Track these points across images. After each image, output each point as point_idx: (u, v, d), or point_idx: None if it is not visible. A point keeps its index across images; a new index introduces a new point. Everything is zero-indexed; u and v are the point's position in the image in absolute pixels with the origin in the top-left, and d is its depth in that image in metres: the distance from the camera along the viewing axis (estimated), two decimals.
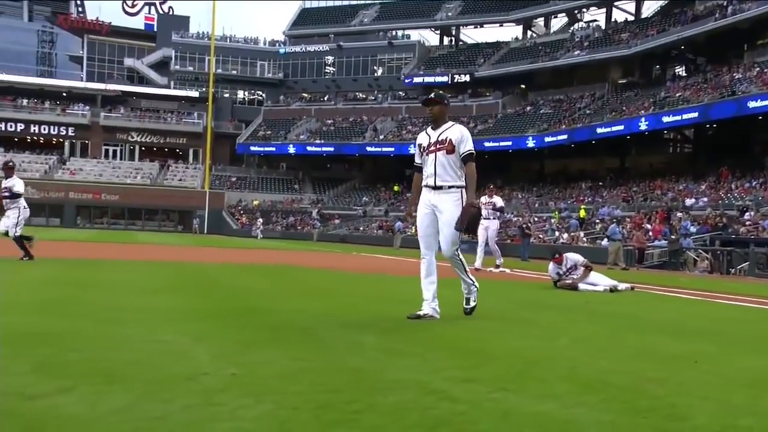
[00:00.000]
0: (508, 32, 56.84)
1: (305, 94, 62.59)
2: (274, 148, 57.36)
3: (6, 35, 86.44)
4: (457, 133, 4.80)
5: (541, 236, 31.36)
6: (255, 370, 2.82)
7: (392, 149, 52.15)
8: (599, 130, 38.47)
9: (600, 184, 40.34)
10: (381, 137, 53.82)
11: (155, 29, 70.19)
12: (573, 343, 4.12)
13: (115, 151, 60.32)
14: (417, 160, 4.95)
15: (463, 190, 4.80)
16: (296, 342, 3.59)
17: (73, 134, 58.90)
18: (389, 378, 2.80)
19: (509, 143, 44.84)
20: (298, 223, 50.16)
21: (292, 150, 56.74)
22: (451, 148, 4.75)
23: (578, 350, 3.82)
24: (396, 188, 53.19)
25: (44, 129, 58.14)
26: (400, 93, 58.23)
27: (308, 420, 2.13)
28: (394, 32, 60.33)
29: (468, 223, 4.76)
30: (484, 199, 13.25)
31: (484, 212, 12.94)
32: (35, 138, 58.48)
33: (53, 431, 1.89)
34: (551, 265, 8.83)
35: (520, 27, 55.35)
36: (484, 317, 5.17)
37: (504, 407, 2.39)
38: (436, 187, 4.78)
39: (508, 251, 28.76)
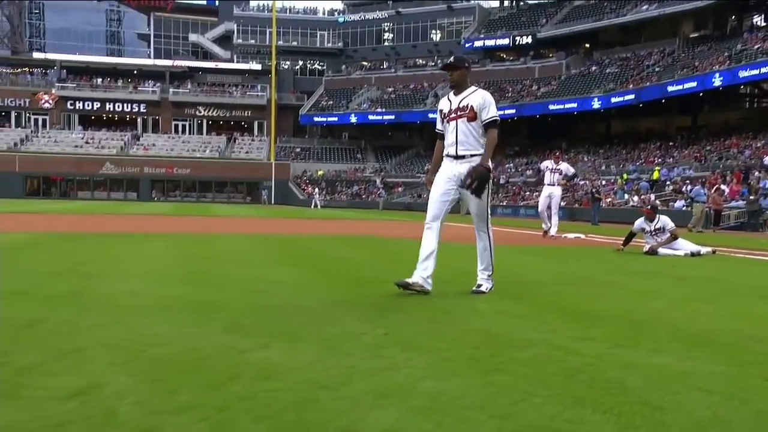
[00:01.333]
0: None
1: (365, 63, 62.79)
2: (336, 118, 58.07)
3: (78, 16, 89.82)
4: (479, 98, 4.56)
5: (609, 200, 30.98)
6: (401, 330, 3.33)
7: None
8: (670, 89, 37.28)
9: (671, 144, 39.24)
10: None
11: (217, 4, 71.57)
12: (669, 305, 4.47)
13: (184, 126, 62.40)
14: (438, 126, 4.77)
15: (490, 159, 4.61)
16: (422, 308, 4.09)
17: (144, 111, 61.17)
18: (517, 337, 3.27)
19: (574, 105, 44.00)
20: (362, 191, 50.93)
21: (353, 119, 57.30)
22: (472, 115, 4.53)
23: (676, 312, 4.18)
24: None
25: (118, 106, 60.64)
26: None
27: (468, 369, 2.61)
28: None
29: (475, 183, 4.48)
30: (549, 164, 12.96)
31: (548, 178, 12.81)
32: (110, 115, 61.08)
33: (282, 373, 2.44)
34: (639, 219, 9.00)
35: None
36: (577, 282, 5.55)
37: (624, 360, 2.81)
38: (457, 157, 4.59)
39: (576, 215, 28.69)
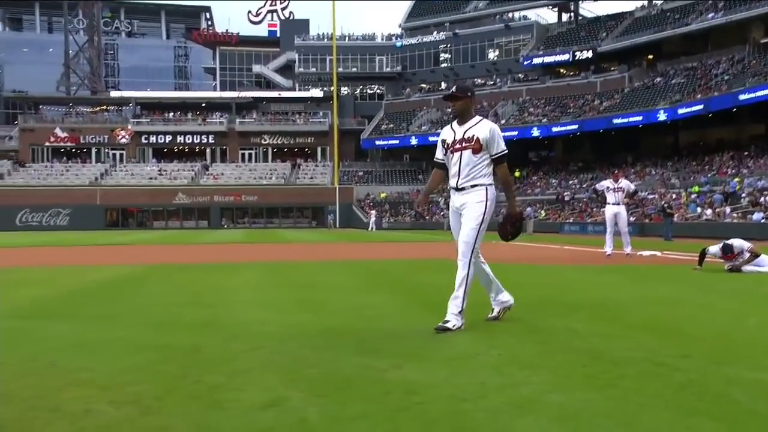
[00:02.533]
0: (631, 2, 54.39)
1: (424, 85, 63.55)
2: (397, 141, 58.87)
3: (149, 53, 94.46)
4: (485, 130, 4.42)
5: (681, 213, 30.26)
6: (511, 351, 3.71)
7: (515, 133, 51.70)
8: (742, 97, 36.22)
9: (745, 153, 38.01)
10: (502, 122, 53.63)
11: (278, 35, 74.13)
12: (763, 323, 4.66)
13: (250, 155, 64.50)
14: (438, 155, 4.66)
15: (489, 187, 4.46)
16: (522, 329, 4.44)
17: (213, 141, 63.63)
18: (620, 355, 3.58)
19: (639, 118, 43.21)
20: (425, 213, 51.29)
21: (414, 141, 57.92)
22: (478, 147, 4.40)
23: None
24: (517, 173, 52.85)
25: (188, 138, 63.32)
26: (520, 75, 57.62)
27: (584, 384, 2.95)
28: (510, 14, 59.68)
29: (512, 233, 4.66)
30: (609, 183, 12.73)
31: (611, 198, 12.54)
32: (181, 147, 63.82)
33: (424, 389, 2.86)
34: (718, 252, 8.90)
35: None
36: (664, 303, 5.77)
37: (727, 375, 3.10)
38: (458, 189, 4.51)
39: (647, 231, 28.18)
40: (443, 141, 4.61)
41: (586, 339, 4.11)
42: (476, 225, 4.46)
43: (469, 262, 4.48)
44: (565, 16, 58.74)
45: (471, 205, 4.45)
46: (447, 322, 4.34)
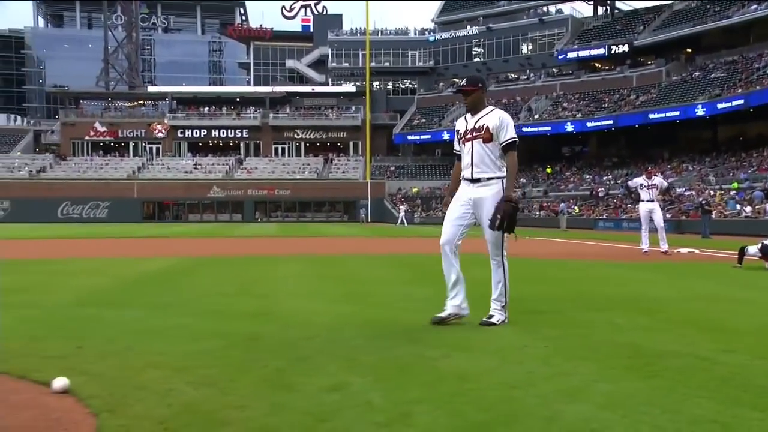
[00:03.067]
0: None
1: (456, 80, 63.34)
2: (429, 136, 58.86)
3: (184, 49, 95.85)
4: (495, 119, 4.39)
5: (719, 210, 29.76)
6: (556, 344, 3.85)
7: (548, 128, 51.40)
8: None
9: None
10: (536, 116, 53.26)
11: (311, 30, 74.62)
12: None
13: (283, 149, 65.17)
14: (456, 147, 4.64)
15: (503, 180, 4.42)
16: (566, 323, 4.59)
17: (246, 136, 64.44)
18: (662, 348, 3.70)
19: (676, 113, 42.47)
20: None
21: (446, 136, 57.68)
22: (488, 136, 4.37)
23: None
24: (549, 170, 52.47)
25: (222, 133, 64.26)
26: (554, 70, 57.08)
27: (629, 375, 3.10)
28: (544, 8, 59.10)
29: (505, 221, 4.35)
30: (642, 180, 12.69)
31: (645, 195, 12.53)
32: (216, 141, 64.80)
33: (475, 377, 3.04)
34: (757, 252, 8.91)
35: None
36: (704, 298, 5.84)
37: None
38: (473, 180, 4.44)
39: (684, 228, 27.81)
40: (457, 132, 4.63)
41: (627, 333, 4.23)
42: (490, 226, 4.40)
43: (502, 259, 4.52)
44: (600, 10, 57.94)
45: (489, 205, 4.36)
46: (491, 317, 4.44)
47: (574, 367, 3.26)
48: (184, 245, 16.72)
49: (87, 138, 63.07)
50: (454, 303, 4.47)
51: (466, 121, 4.54)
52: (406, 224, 41.75)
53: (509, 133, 4.40)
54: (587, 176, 48.48)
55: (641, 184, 12.76)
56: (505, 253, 4.52)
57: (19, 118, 73.03)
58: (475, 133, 4.43)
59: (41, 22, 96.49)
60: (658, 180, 12.92)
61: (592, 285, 7.20)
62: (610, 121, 46.38)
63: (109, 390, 2.74)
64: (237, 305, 5.39)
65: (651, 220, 12.61)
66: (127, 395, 2.67)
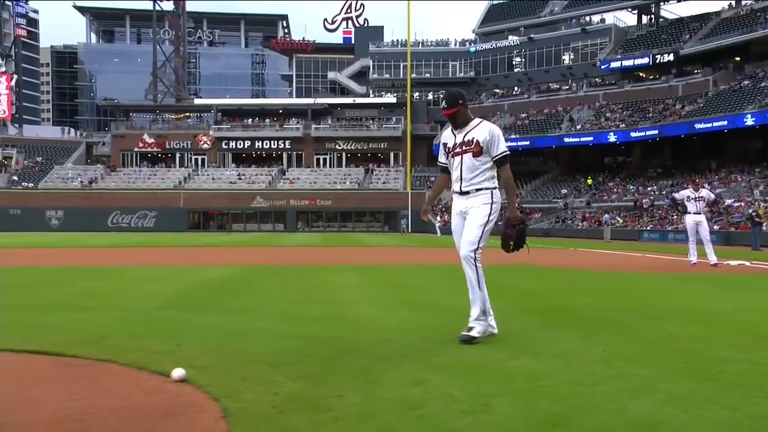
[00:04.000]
0: (717, 2, 52.59)
1: (497, 90, 63.37)
2: None
3: (227, 61, 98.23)
4: (484, 132, 4.33)
5: None
6: (615, 349, 4.09)
7: (591, 138, 50.93)
8: None
9: None
10: (578, 127, 52.86)
11: (353, 42, 75.63)
12: None
13: (325, 160, 66.06)
14: (441, 159, 4.61)
15: (495, 190, 4.39)
16: (621, 331, 4.81)
17: (289, 147, 65.54)
18: (718, 355, 3.90)
19: (724, 123, 41.64)
20: (499, 218, 51.05)
21: None
22: (477, 150, 4.31)
23: None
24: (590, 181, 51.89)
25: (266, 144, 65.50)
26: (596, 80, 56.61)
27: (688, 377, 3.32)
28: (587, 17, 58.75)
29: (515, 242, 4.41)
30: (689, 193, 12.61)
31: (692, 207, 12.43)
32: (259, 152, 66.08)
33: (544, 377, 3.31)
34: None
35: None
36: (758, 310, 5.97)
37: None
38: (463, 193, 4.43)
39: (733, 240, 27.30)
40: (445, 145, 4.52)
41: (682, 340, 4.43)
42: (481, 224, 4.35)
43: (475, 262, 4.35)
44: (645, 19, 57.25)
45: (476, 207, 4.35)
46: (471, 329, 4.24)
47: (634, 369, 3.50)
48: (236, 254, 17.29)
49: (136, 149, 65.05)
50: (483, 320, 4.33)
51: (454, 134, 4.44)
52: (440, 235, 41.86)
53: (500, 147, 4.33)
54: (631, 187, 47.85)
55: (688, 196, 12.69)
56: (478, 256, 4.38)
57: (72, 130, 75.82)
58: (464, 147, 4.36)
59: (93, 37, 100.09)
60: (705, 192, 12.83)
61: (645, 296, 7.36)
62: (655, 131, 45.75)
63: (219, 380, 3.11)
64: (306, 310, 5.75)
65: (697, 232, 12.57)
66: (236, 385, 3.04)
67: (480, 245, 4.37)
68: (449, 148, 4.48)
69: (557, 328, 4.90)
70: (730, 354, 3.92)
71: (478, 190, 4.35)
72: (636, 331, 4.82)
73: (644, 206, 41.78)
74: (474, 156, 4.33)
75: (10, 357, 3.56)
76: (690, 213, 12.54)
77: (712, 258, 12.22)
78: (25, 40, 78.03)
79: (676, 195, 13.65)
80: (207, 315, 5.40)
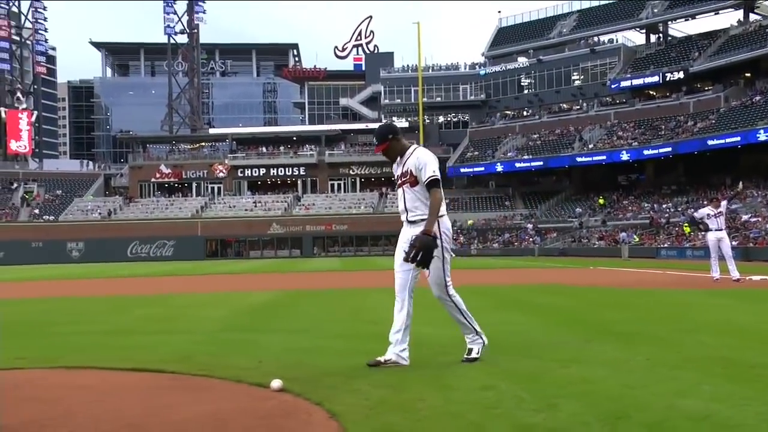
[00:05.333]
0: (725, 19, 52.85)
1: (508, 112, 64.01)
2: (482, 168, 59.37)
3: (239, 90, 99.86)
4: (414, 160, 4.32)
5: None
6: (657, 357, 4.46)
7: (603, 157, 51.27)
8: None
9: None
10: (590, 146, 53.24)
11: (363, 68, 76.81)
12: None
13: (339, 185, 66.80)
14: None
15: (441, 219, 4.38)
16: (658, 341, 5.18)
17: (303, 173, 66.38)
18: (754, 361, 4.25)
19: (737, 138, 41.91)
20: (513, 239, 51.40)
21: (500, 168, 58.24)
22: (413, 180, 4.33)
23: None
24: (601, 201, 52.07)
25: (281, 171, 66.40)
26: (607, 99, 57.11)
27: (729, 378, 3.70)
28: (596, 38, 59.49)
29: (420, 253, 4.18)
30: (709, 211, 12.87)
31: (713, 224, 12.66)
32: (274, 179, 66.97)
33: (595, 381, 3.70)
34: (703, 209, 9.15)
35: (740, 11, 51.38)
36: None
37: None
38: (410, 222, 4.46)
39: (752, 255, 27.42)
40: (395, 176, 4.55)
41: (717, 349, 4.79)
42: (440, 257, 4.35)
43: (449, 297, 4.47)
44: (653, 38, 57.86)
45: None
46: (470, 351, 4.42)
47: (677, 374, 3.88)
48: (265, 280, 17.74)
49: (153, 180, 66.14)
50: (395, 350, 4.30)
51: (397, 166, 4.48)
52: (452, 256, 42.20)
53: (428, 171, 4.26)
54: (646, 204, 48.01)
55: (708, 214, 12.95)
56: (451, 291, 4.47)
57: (90, 163, 77.18)
58: (402, 179, 4.41)
59: (108, 72, 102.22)
60: (723, 206, 13.06)
61: (674, 310, 7.70)
62: (668, 149, 46.04)
63: (310, 389, 3.53)
64: (358, 329, 6.17)
65: (719, 248, 12.84)
66: (327, 393, 3.45)
67: (447, 281, 4.45)
68: (395, 179, 4.54)
69: (597, 341, 5.27)
70: (764, 360, 4.28)
71: (422, 220, 4.31)
72: (672, 342, 5.18)
73: (662, 223, 41.90)
74: (411, 186, 4.35)
75: (120, 374, 4.00)
76: (712, 230, 12.81)
77: (735, 273, 12.47)
78: (44, 76, 79.88)
79: (695, 215, 13.88)
80: (269, 335, 5.82)
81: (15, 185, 63.89)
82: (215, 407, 3.07)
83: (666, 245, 36.96)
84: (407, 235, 4.47)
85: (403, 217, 4.54)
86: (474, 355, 4.39)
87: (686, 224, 36.88)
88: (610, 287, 11.55)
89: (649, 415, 2.98)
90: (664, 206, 46.05)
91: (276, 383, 3.51)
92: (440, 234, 4.34)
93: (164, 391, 3.51)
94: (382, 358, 4.28)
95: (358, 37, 78.28)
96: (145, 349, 4.98)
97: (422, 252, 4.18)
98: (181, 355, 4.66)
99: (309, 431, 2.72)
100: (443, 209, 4.43)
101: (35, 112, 70.82)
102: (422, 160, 4.30)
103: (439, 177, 4.33)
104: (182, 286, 15.08)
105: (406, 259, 4.31)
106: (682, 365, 4.16)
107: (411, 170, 4.33)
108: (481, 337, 4.47)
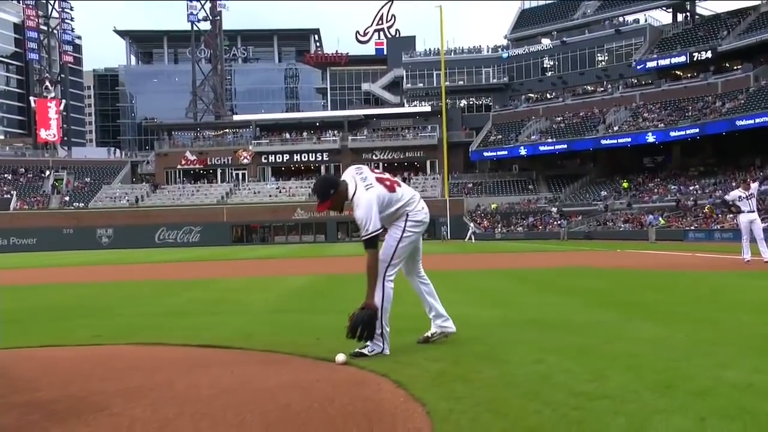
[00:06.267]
0: None
1: (531, 95, 63.57)
2: (506, 152, 59.17)
3: (261, 76, 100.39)
4: (354, 209, 4.25)
5: None
6: (696, 334, 4.66)
7: (628, 139, 50.85)
8: None
9: None
10: (615, 128, 52.76)
11: (385, 53, 76.70)
12: None
13: None
14: None
15: (408, 212, 4.32)
16: (695, 320, 5.37)
17: (327, 159, 66.71)
18: None
19: (767, 118, 41.24)
20: (538, 222, 51.31)
21: (523, 152, 58.01)
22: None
23: None
24: (625, 184, 51.64)
25: (304, 156, 66.82)
26: (632, 80, 56.43)
27: (765, 353, 3.90)
28: (620, 18, 58.68)
29: (358, 329, 3.98)
30: (740, 193, 12.86)
31: (746, 206, 12.65)
32: (298, 165, 67.43)
33: (649, 359, 3.92)
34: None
35: None
36: None
37: None
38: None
39: None
40: None
41: (755, 327, 4.98)
42: (396, 239, 4.26)
43: (384, 281, 4.23)
44: (680, 17, 56.93)
45: (389, 231, 4.32)
46: (364, 347, 4.08)
47: (718, 349, 4.09)
48: (299, 265, 18.15)
49: (179, 167, 67.02)
50: (438, 323, 4.50)
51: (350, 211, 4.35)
52: (473, 240, 42.40)
53: (361, 229, 4.13)
54: (672, 187, 47.57)
55: (739, 196, 12.95)
56: (388, 278, 4.26)
57: (117, 151, 78.41)
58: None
59: (133, 60, 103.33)
60: (754, 187, 13.11)
61: (708, 291, 7.86)
62: (695, 130, 45.49)
63: (372, 363, 3.80)
64: (403, 311, 6.42)
65: (751, 230, 12.87)
66: (390, 366, 3.72)
67: (391, 262, 4.24)
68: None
69: (637, 320, 5.48)
70: None
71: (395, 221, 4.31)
72: (710, 320, 5.37)
73: (689, 206, 41.54)
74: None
75: (195, 350, 4.33)
76: (744, 212, 12.84)
77: (766, 255, 12.49)
78: (71, 65, 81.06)
79: (726, 197, 13.89)
80: (318, 316, 6.13)
81: (47, 173, 65.21)
82: (293, 377, 3.36)
83: (693, 227, 36.68)
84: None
85: None
86: (365, 351, 4.03)
87: (709, 206, 36.61)
88: (640, 270, 11.68)
89: (696, 384, 3.19)
90: (691, 188, 45.59)
91: (340, 357, 3.80)
92: (405, 225, 4.26)
93: (241, 364, 3.81)
94: (428, 333, 4.50)
95: (380, 22, 78.07)
96: (207, 329, 5.31)
97: (361, 327, 3.98)
98: (243, 334, 4.97)
99: (382, 397, 2.98)
100: (419, 205, 4.35)
101: (63, 101, 72.05)
102: (360, 216, 4.14)
103: (372, 233, 4.09)
104: (218, 271, 15.52)
105: (347, 336, 4.03)
106: (721, 341, 4.36)
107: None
108: (383, 343, 4.10)
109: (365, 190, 4.23)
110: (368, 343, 4.08)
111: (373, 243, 4.09)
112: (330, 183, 4.33)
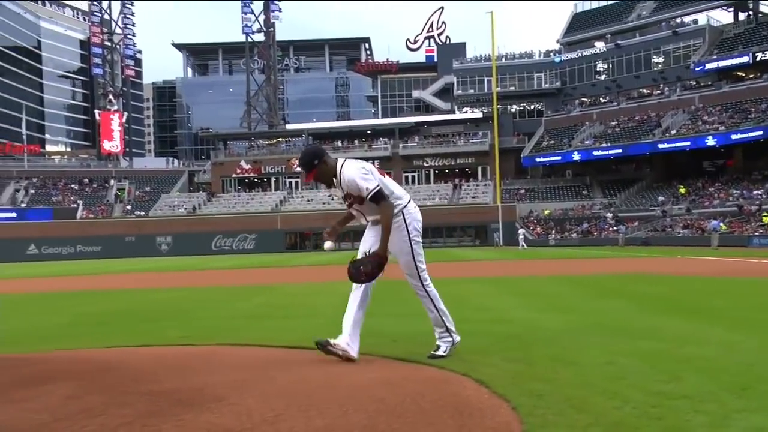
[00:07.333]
0: None
1: (585, 99, 62.61)
2: (559, 157, 58.40)
3: (312, 85, 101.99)
4: (345, 182, 4.15)
5: None
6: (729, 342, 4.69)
7: (687, 143, 49.45)
8: None
9: None
10: (673, 132, 51.44)
11: (435, 60, 76.88)
12: None
13: (413, 177, 67.30)
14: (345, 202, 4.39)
15: (403, 209, 4.24)
16: (743, 326, 5.36)
17: (378, 166, 64.82)
18: None
19: None
20: (593, 228, 50.42)
21: (576, 157, 57.12)
22: (359, 199, 4.18)
23: None
24: (682, 190, 50.16)
25: None
26: (691, 82, 54.94)
27: None
28: (678, 19, 57.27)
29: (366, 273, 4.19)
30: None
31: None
32: None
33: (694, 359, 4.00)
34: None
35: None
36: None
37: None
38: (375, 222, 4.33)
39: None
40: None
41: None
42: (409, 251, 4.27)
43: (425, 289, 4.34)
44: (741, 16, 55.16)
45: (395, 236, 4.20)
46: (438, 348, 4.24)
47: (744, 345, 4.14)
48: None
49: (234, 175, 68.71)
50: (346, 340, 4.29)
51: (337, 187, 4.32)
52: (525, 246, 41.88)
53: (361, 189, 4.10)
54: (734, 191, 46.02)
55: None
56: (426, 282, 4.37)
57: (175, 160, 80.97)
58: (348, 200, 4.30)
59: (189, 72, 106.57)
60: None
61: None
62: (759, 132, 43.94)
63: (451, 364, 3.99)
64: (470, 316, 6.59)
65: None
66: (467, 366, 3.90)
67: (421, 273, 4.33)
68: (342, 200, 4.39)
69: (705, 325, 5.51)
70: None
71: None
72: (736, 320, 5.37)
73: (751, 211, 40.16)
74: (360, 204, 4.22)
75: (277, 350, 4.62)
76: None
77: None
78: (132, 79, 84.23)
79: None
80: (386, 319, 6.35)
81: (110, 183, 67.88)
82: (381, 375, 3.59)
83: (758, 233, 35.44)
84: (371, 233, 4.38)
85: (364, 222, 4.45)
86: (440, 352, 4.18)
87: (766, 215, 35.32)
88: (704, 276, 11.49)
89: None
90: (754, 193, 44.02)
91: (328, 244, 4.38)
92: (405, 224, 4.24)
93: (326, 363, 4.07)
94: (333, 340, 4.32)
95: (430, 29, 78.34)
96: (282, 331, 5.60)
97: (369, 269, 4.16)
98: (318, 336, 5.22)
99: (467, 393, 3.17)
100: (409, 204, 4.32)
101: (125, 114, 74.91)
102: (350, 179, 4.11)
103: (375, 187, 4.11)
104: (277, 277, 15.96)
105: (354, 279, 4.25)
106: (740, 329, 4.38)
107: (349, 192, 4.19)
108: (452, 335, 4.26)
109: (353, 160, 4.31)
110: (440, 344, 4.24)
111: (379, 194, 4.10)
112: (315, 153, 4.27)
